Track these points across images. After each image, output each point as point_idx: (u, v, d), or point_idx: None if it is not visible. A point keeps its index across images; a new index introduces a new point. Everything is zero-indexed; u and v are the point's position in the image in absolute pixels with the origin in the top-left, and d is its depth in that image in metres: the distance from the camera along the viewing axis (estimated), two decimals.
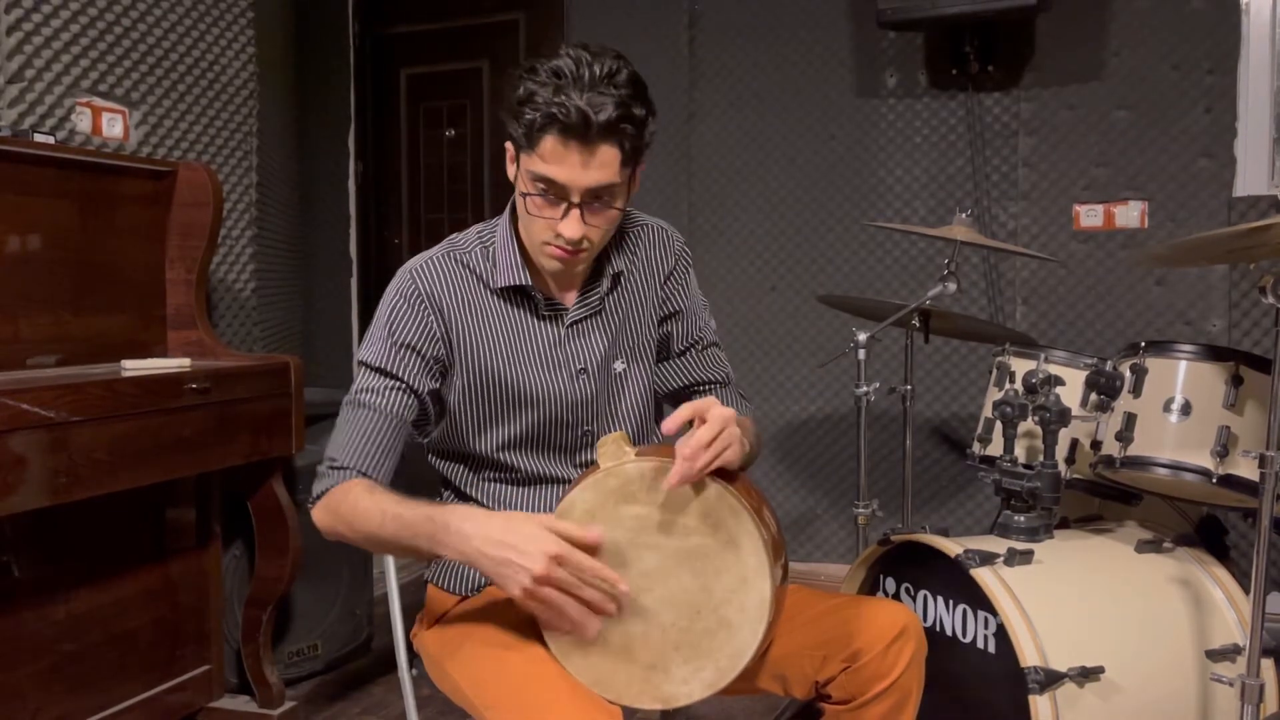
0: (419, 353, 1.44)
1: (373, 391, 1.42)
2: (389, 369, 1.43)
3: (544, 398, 1.48)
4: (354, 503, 1.35)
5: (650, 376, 1.57)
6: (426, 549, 1.29)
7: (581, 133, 1.29)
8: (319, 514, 1.40)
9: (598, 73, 1.29)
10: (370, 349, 1.45)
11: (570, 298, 1.51)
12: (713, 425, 1.25)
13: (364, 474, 1.38)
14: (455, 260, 1.47)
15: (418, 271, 1.46)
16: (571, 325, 1.49)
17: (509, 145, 1.41)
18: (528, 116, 1.31)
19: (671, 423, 1.27)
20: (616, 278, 1.52)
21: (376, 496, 1.34)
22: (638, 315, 1.54)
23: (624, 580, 1.24)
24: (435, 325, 1.44)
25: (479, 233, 1.51)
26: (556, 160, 1.32)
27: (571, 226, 1.35)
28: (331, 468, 1.40)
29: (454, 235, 1.52)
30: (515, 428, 1.49)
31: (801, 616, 1.45)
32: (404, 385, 1.43)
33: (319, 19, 4.06)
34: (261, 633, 2.42)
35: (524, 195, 1.37)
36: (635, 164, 1.38)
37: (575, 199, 1.34)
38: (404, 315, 1.44)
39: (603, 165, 1.32)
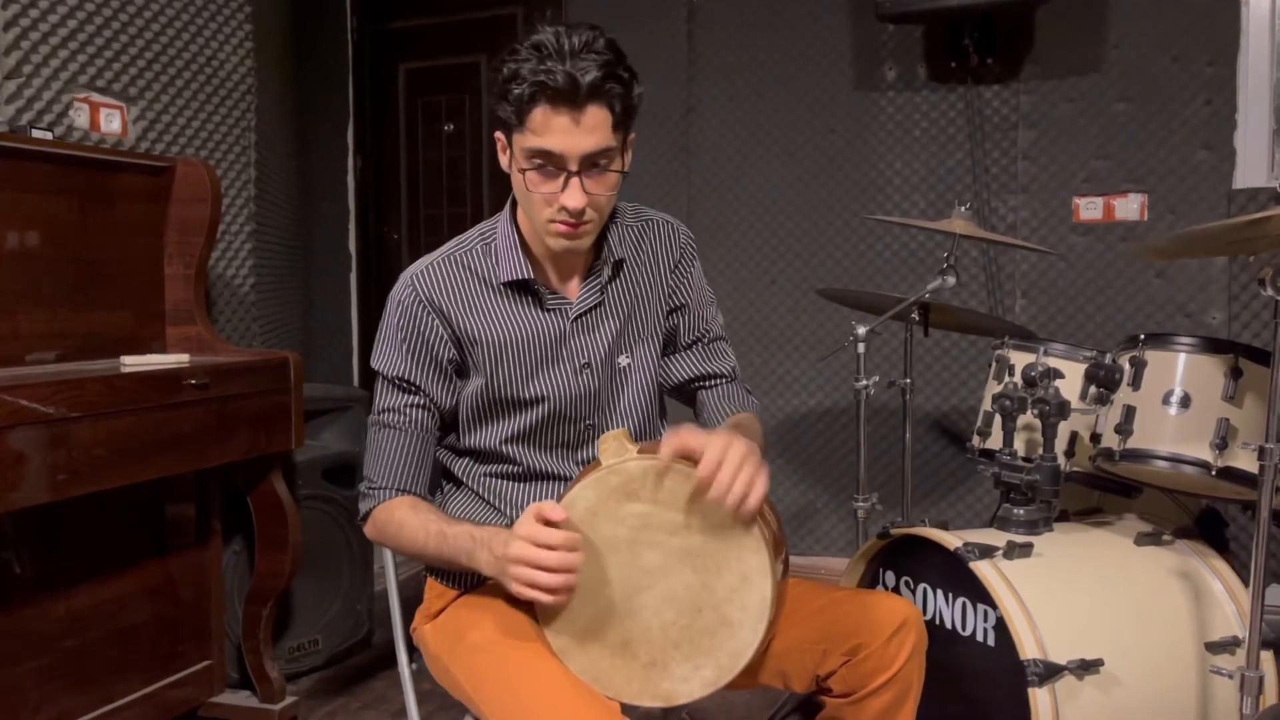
0: (433, 356, 1.46)
1: (395, 411, 1.47)
2: (406, 377, 1.46)
3: (547, 392, 1.47)
4: (400, 521, 1.43)
5: (656, 370, 1.57)
6: (466, 564, 1.35)
7: (570, 97, 1.29)
8: (368, 530, 1.50)
9: (577, 42, 1.30)
10: (383, 357, 1.48)
11: (573, 289, 1.50)
12: (727, 470, 1.21)
13: (402, 491, 1.46)
14: (454, 263, 1.48)
15: (417, 277, 1.47)
16: (577, 319, 1.49)
17: (499, 135, 1.41)
18: (515, 92, 1.31)
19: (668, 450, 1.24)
20: (619, 265, 1.52)
21: (421, 514, 1.42)
22: (644, 307, 1.54)
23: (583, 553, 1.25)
24: (441, 328, 1.45)
25: (481, 231, 1.52)
26: (549, 130, 1.32)
27: (573, 196, 1.34)
28: (371, 488, 1.48)
29: (458, 236, 1.53)
30: (518, 422, 1.49)
31: (802, 610, 1.45)
32: (424, 399, 1.47)
33: (317, 14, 4.06)
34: (262, 628, 2.42)
35: (521, 172, 1.37)
36: (627, 128, 1.38)
37: (573, 167, 1.34)
38: (407, 323, 1.45)
39: (595, 128, 1.32)
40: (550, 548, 1.23)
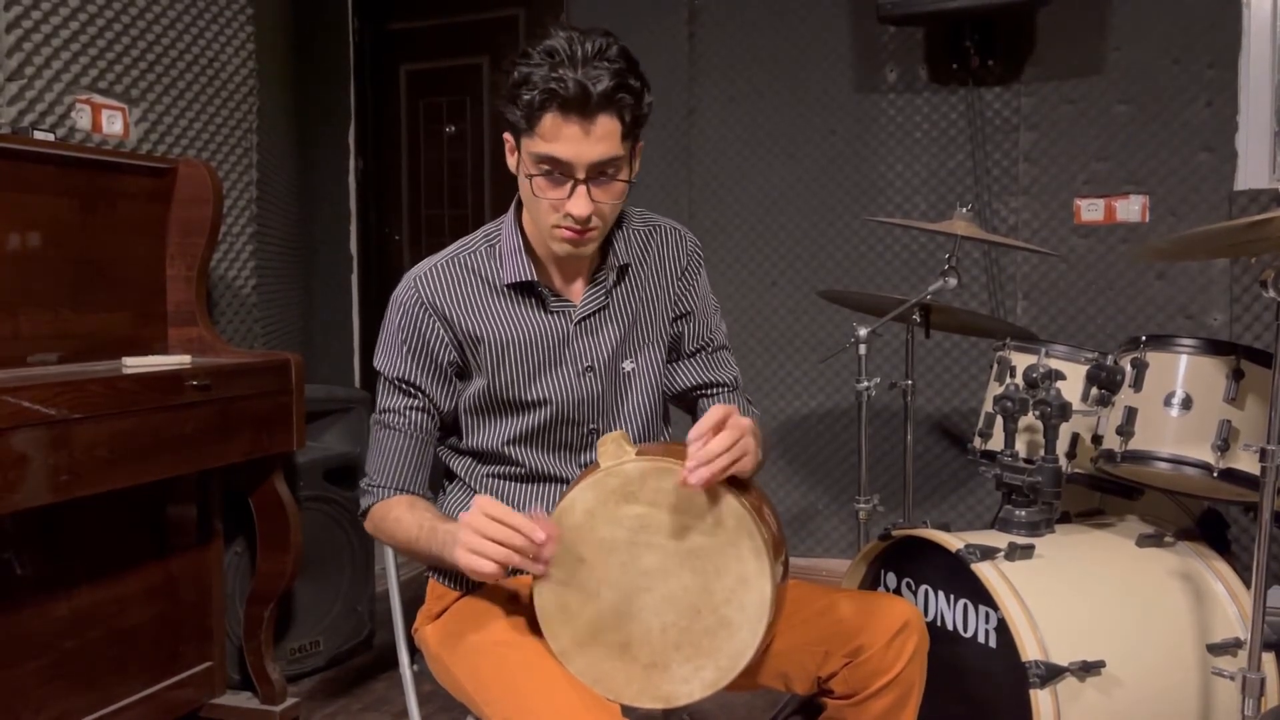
0: (433, 358, 1.46)
1: (395, 412, 1.48)
2: (406, 378, 1.47)
3: (549, 394, 1.48)
4: (396, 518, 1.45)
5: (660, 376, 1.57)
6: (450, 559, 1.33)
7: (581, 106, 1.29)
8: (367, 526, 1.52)
9: (590, 49, 1.30)
10: (384, 358, 1.49)
11: (576, 291, 1.50)
12: (728, 435, 1.25)
13: (401, 490, 1.47)
14: (458, 265, 1.48)
15: (419, 279, 1.47)
16: (580, 322, 1.49)
17: (507, 136, 1.41)
18: (525, 97, 1.31)
19: (698, 431, 1.26)
20: (623, 270, 1.52)
21: (416, 512, 1.42)
22: (650, 313, 1.54)
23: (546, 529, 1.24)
24: (442, 331, 1.45)
25: (486, 233, 1.52)
26: (558, 137, 1.31)
27: (579, 204, 1.34)
28: (370, 486, 1.49)
29: (463, 238, 1.53)
30: (521, 424, 1.49)
31: (803, 612, 1.45)
32: (424, 401, 1.48)
33: (319, 15, 4.06)
34: (263, 629, 2.42)
35: (529, 177, 1.37)
36: (636, 137, 1.38)
37: (580, 175, 1.34)
38: (408, 325, 1.46)
39: (604, 137, 1.32)
40: (500, 521, 1.22)
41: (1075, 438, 2.15)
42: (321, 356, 4.14)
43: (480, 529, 1.23)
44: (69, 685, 2.13)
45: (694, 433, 1.26)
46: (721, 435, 1.25)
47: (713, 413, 1.27)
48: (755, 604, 1.25)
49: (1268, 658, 1.77)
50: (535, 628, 1.33)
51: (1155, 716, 1.84)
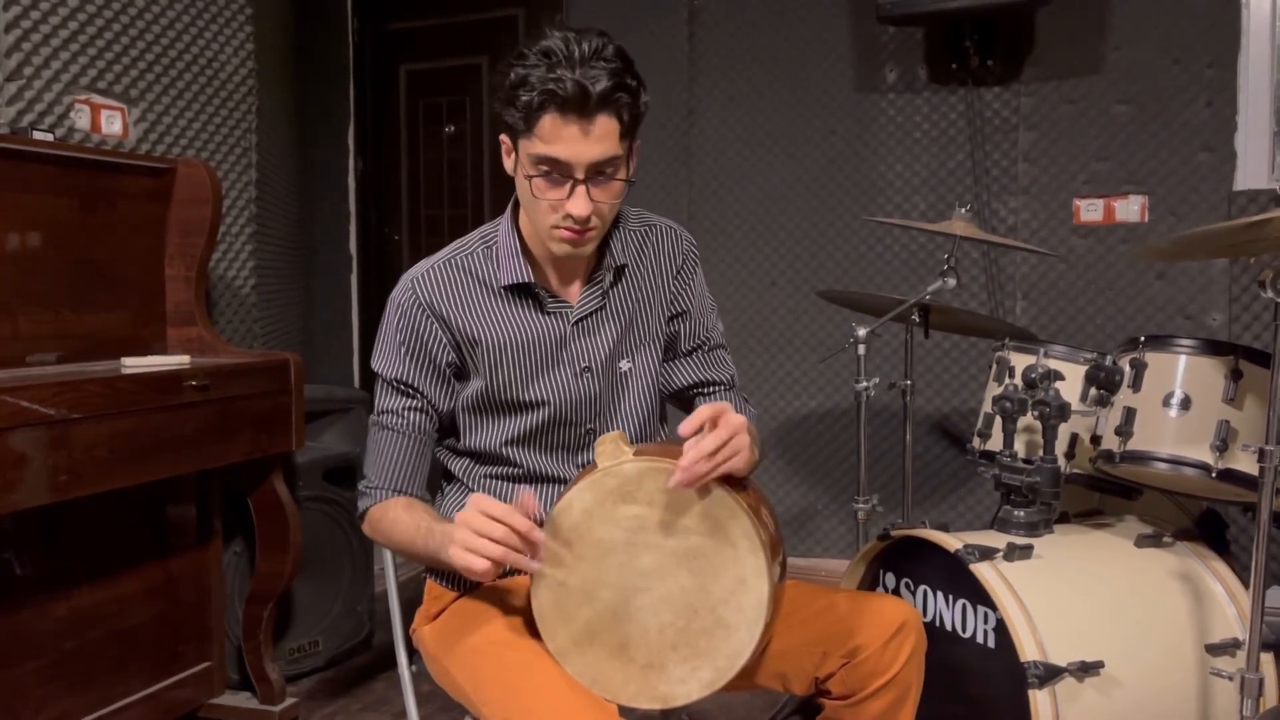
0: (431, 360, 1.46)
1: (393, 414, 1.48)
2: (404, 379, 1.47)
3: (547, 395, 1.48)
4: (393, 520, 1.44)
5: (656, 375, 1.57)
6: (445, 559, 1.32)
7: (580, 106, 1.29)
8: (365, 528, 1.51)
9: (586, 50, 1.30)
10: (382, 359, 1.49)
11: (574, 292, 1.51)
12: (721, 433, 1.24)
13: (398, 491, 1.46)
14: (455, 266, 1.48)
15: (416, 281, 1.47)
16: (577, 323, 1.49)
17: (504, 138, 1.41)
18: (524, 99, 1.31)
19: (688, 426, 1.27)
20: (620, 270, 1.52)
21: (413, 512, 1.42)
22: (646, 312, 1.54)
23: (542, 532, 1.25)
24: (440, 332, 1.46)
25: (483, 234, 1.52)
26: (557, 138, 1.31)
27: (579, 204, 1.35)
28: (368, 488, 1.49)
29: (459, 239, 1.53)
30: (518, 424, 1.49)
31: (801, 613, 1.45)
32: (423, 402, 1.47)
33: (318, 15, 4.06)
34: (262, 629, 2.42)
35: (527, 178, 1.36)
36: (633, 136, 1.38)
37: (580, 175, 1.34)
38: (406, 326, 1.46)
39: (603, 137, 1.32)
40: (496, 520, 1.22)
41: (1074, 438, 2.15)
42: (321, 356, 4.14)
43: (476, 527, 1.22)
44: (69, 685, 2.13)
45: (685, 428, 1.26)
46: (712, 434, 1.24)
47: (702, 411, 1.26)
48: (753, 605, 1.25)
49: (1266, 658, 1.77)
50: (533, 628, 1.34)
51: (1154, 717, 1.84)
